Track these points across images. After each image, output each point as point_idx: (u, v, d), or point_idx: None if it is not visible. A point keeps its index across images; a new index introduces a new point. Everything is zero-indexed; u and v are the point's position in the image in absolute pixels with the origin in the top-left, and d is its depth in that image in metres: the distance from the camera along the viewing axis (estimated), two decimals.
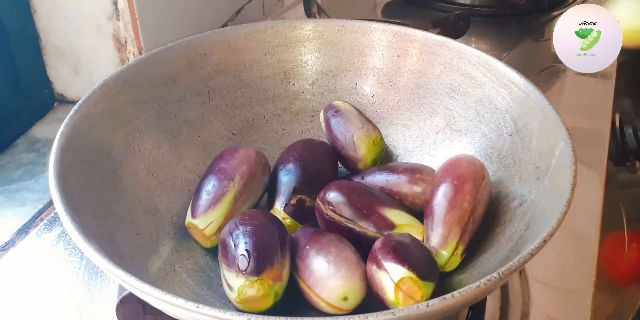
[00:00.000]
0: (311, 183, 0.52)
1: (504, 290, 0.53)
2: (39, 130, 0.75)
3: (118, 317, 0.46)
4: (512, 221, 0.48)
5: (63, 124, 0.48)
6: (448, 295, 0.36)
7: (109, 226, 0.47)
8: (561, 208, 0.42)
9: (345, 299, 0.43)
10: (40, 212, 0.63)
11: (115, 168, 0.51)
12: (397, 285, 0.42)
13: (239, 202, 0.51)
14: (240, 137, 0.61)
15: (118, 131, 0.53)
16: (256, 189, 0.53)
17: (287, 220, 0.50)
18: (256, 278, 0.43)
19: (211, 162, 0.55)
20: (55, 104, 0.79)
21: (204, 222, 0.50)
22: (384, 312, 0.35)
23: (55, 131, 0.48)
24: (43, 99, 0.77)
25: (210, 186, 0.51)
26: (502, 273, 0.38)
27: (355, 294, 0.43)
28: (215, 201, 0.50)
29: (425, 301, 0.36)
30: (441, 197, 0.48)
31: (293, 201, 0.51)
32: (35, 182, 0.67)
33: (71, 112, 0.49)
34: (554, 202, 0.43)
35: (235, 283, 0.43)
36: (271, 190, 0.53)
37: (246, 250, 0.43)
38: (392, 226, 0.48)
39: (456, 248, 0.46)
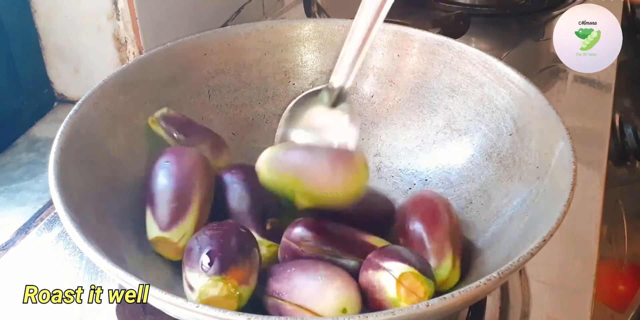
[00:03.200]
0: (268, 204, 0.50)
1: (504, 290, 0.53)
2: (39, 130, 0.75)
3: (118, 317, 0.46)
4: (512, 221, 0.48)
5: (63, 124, 0.48)
6: (448, 295, 0.36)
7: (109, 226, 0.47)
8: (561, 208, 0.42)
9: (344, 311, 0.41)
10: (40, 211, 0.63)
11: (115, 168, 0.51)
12: (399, 281, 0.41)
13: (203, 208, 0.48)
14: (240, 136, 0.61)
15: (118, 131, 0.53)
16: (210, 194, 0.50)
17: (271, 247, 0.48)
18: (220, 277, 0.40)
19: (155, 166, 0.50)
20: (55, 103, 0.79)
21: (176, 234, 0.46)
22: (383, 311, 0.35)
23: (55, 131, 0.47)
24: (43, 98, 0.77)
25: (171, 194, 0.47)
26: (502, 273, 0.37)
27: (353, 306, 0.41)
28: (183, 210, 0.47)
29: (427, 299, 0.36)
30: (419, 222, 0.47)
31: (268, 226, 0.49)
32: (35, 181, 0.67)
33: (71, 112, 0.49)
34: (554, 202, 0.43)
35: (197, 282, 0.41)
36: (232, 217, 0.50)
37: (211, 250, 0.42)
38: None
39: (454, 260, 0.46)
